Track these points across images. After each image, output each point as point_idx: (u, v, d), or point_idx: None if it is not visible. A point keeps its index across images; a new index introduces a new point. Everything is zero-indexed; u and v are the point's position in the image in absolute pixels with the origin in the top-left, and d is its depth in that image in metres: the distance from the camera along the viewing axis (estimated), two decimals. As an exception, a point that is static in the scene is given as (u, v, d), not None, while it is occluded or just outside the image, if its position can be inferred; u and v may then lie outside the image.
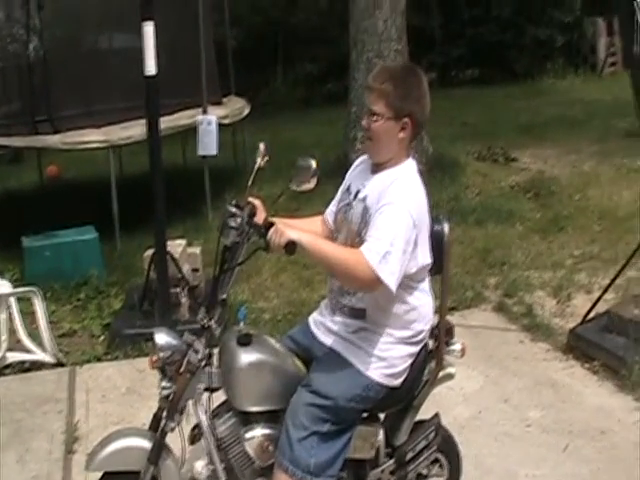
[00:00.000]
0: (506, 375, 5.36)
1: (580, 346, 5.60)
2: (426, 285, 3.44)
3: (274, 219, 3.17)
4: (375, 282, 3.02)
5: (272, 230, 3.03)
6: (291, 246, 2.98)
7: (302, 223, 3.65)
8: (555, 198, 9.42)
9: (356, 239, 3.26)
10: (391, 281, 3.03)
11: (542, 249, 7.78)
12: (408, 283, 3.26)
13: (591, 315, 5.75)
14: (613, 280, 5.80)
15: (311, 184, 3.32)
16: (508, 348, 5.78)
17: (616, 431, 4.64)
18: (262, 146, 3.45)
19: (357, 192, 3.38)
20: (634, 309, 5.54)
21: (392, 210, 3.10)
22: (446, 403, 3.82)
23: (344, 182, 3.55)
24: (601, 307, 5.76)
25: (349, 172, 3.58)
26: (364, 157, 3.51)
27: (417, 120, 3.24)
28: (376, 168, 3.35)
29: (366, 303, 3.32)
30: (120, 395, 5.25)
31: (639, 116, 5.23)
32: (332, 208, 3.62)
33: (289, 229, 3.03)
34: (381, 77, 3.25)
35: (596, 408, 4.91)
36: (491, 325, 6.18)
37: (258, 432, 3.37)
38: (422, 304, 3.40)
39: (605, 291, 5.80)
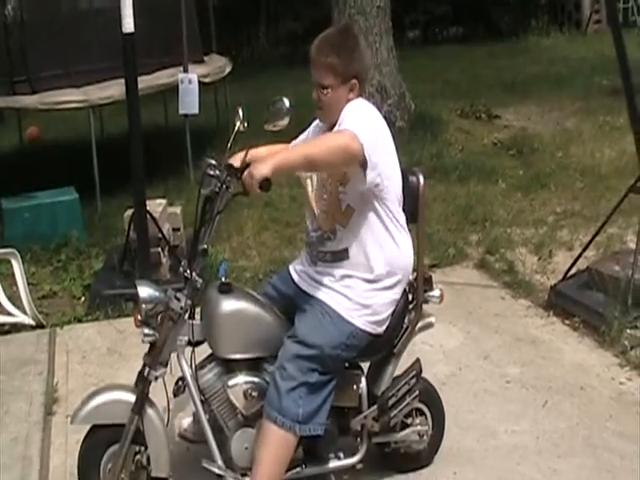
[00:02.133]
0: (486, 332, 5.37)
1: (560, 303, 5.61)
2: (403, 222, 3.49)
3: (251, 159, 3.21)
4: (353, 140, 3.07)
5: (245, 174, 3.03)
6: (266, 184, 2.95)
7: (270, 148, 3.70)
8: (537, 155, 9.42)
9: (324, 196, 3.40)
10: (366, 149, 3.11)
11: (524, 206, 7.79)
12: (384, 210, 3.36)
13: (572, 272, 5.77)
14: (594, 237, 5.80)
15: (285, 121, 3.33)
16: (489, 305, 5.80)
17: (595, 387, 4.67)
18: (240, 111, 3.49)
19: None
20: (614, 266, 5.54)
21: (354, 113, 3.26)
22: (426, 360, 3.82)
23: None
24: (582, 264, 5.78)
25: (307, 134, 3.71)
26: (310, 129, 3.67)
27: (362, 77, 3.43)
28: (332, 127, 3.39)
29: (348, 242, 3.39)
30: (100, 356, 5.23)
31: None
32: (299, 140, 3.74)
33: (260, 164, 2.99)
34: (323, 50, 3.36)
35: (575, 364, 4.93)
36: (473, 282, 6.18)
37: (241, 379, 3.43)
38: (401, 241, 3.45)
39: (586, 248, 5.80)
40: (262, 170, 2.96)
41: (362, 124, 3.17)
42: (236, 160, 3.47)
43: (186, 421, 4.00)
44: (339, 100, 3.35)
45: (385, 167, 3.30)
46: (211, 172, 3.32)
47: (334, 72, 3.31)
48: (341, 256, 3.43)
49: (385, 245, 3.39)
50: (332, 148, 3.09)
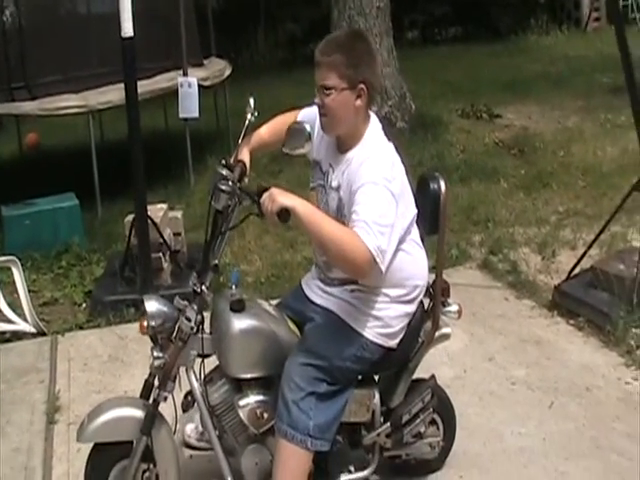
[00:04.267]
0: (491, 333, 5.34)
1: (565, 303, 5.57)
2: (416, 237, 3.39)
3: (269, 185, 3.04)
4: (368, 265, 2.93)
5: (265, 195, 2.94)
6: (284, 214, 2.86)
7: (275, 126, 3.58)
8: (539, 154, 9.36)
9: None
10: (384, 261, 2.97)
11: (527, 206, 7.73)
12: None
13: (576, 271, 5.73)
14: (597, 236, 5.77)
15: (305, 149, 3.23)
16: (493, 306, 5.76)
17: (601, 387, 4.64)
18: (252, 100, 3.41)
19: (328, 174, 3.31)
20: (618, 264, 5.50)
21: (372, 190, 3.01)
22: (431, 363, 3.76)
23: (312, 151, 3.41)
24: (586, 263, 5.74)
25: (315, 142, 3.42)
26: None
27: (372, 85, 3.18)
28: (341, 146, 3.28)
29: None
30: (102, 363, 5.19)
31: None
32: (306, 117, 3.50)
33: (283, 194, 2.92)
34: (329, 49, 3.15)
35: (581, 365, 4.90)
36: (476, 283, 6.14)
37: (252, 399, 3.35)
38: (415, 257, 3.36)
39: (589, 247, 5.77)
40: (284, 199, 2.88)
41: (381, 224, 2.94)
42: (245, 151, 3.44)
43: (190, 427, 3.96)
44: (345, 105, 3.14)
45: (402, 230, 3.18)
46: (223, 187, 3.16)
47: (338, 72, 3.08)
48: (350, 280, 3.30)
49: (398, 267, 3.22)
50: (344, 257, 2.93)
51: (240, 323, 3.31)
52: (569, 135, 10.09)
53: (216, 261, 3.28)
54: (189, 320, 3.25)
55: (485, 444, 4.13)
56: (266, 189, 2.97)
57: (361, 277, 3.13)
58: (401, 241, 3.23)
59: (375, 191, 3.01)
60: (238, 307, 3.32)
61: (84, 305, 6.14)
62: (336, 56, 3.10)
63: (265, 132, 3.62)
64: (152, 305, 3.31)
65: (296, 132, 3.22)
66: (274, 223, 2.93)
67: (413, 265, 3.36)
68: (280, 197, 2.89)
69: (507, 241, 6.82)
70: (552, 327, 5.40)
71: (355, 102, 3.15)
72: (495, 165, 8.96)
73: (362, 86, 3.14)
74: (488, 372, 4.86)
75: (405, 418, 3.55)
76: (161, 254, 6.08)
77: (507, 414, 4.40)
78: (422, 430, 3.69)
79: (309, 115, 3.50)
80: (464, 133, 10.50)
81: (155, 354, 3.30)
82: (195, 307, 3.27)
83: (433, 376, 3.72)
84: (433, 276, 3.53)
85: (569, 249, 6.60)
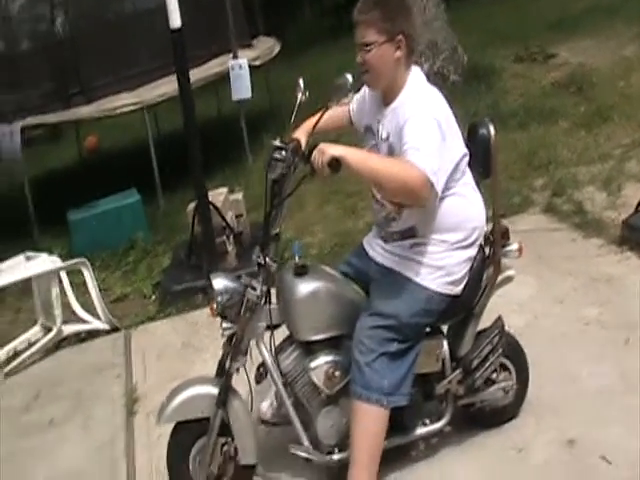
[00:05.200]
0: (560, 276, 5.24)
1: (634, 236, 5.43)
2: (471, 180, 3.41)
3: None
4: (425, 188, 2.99)
5: (315, 151, 3.02)
6: (335, 164, 2.95)
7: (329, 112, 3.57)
8: (598, 89, 9.08)
9: None
10: (439, 182, 3.04)
11: (588, 143, 7.53)
12: (451, 176, 3.23)
13: (643, 203, 5.58)
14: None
15: (349, 97, 3.30)
16: (560, 248, 5.65)
17: (676, 317, 4.51)
18: (301, 81, 3.46)
19: (378, 130, 3.37)
20: (686, 191, 5.35)
21: (418, 119, 3.10)
22: (501, 311, 3.73)
23: (360, 118, 3.56)
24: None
25: (359, 107, 3.60)
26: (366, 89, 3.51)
27: (410, 35, 3.25)
28: (386, 98, 3.34)
29: (415, 220, 3.32)
30: (175, 351, 5.27)
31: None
32: (356, 101, 3.62)
33: (331, 146, 3.00)
34: (365, 7, 3.24)
35: (654, 297, 4.77)
36: (541, 227, 6.02)
37: (322, 360, 3.42)
38: (471, 200, 3.39)
39: (655, 176, 5.61)
40: (333, 150, 2.96)
41: (430, 147, 3.02)
42: (301, 133, 3.49)
43: (265, 404, 3.98)
44: (386, 58, 3.22)
45: (451, 163, 3.21)
46: (277, 155, 3.28)
47: (376, 27, 3.17)
48: (410, 234, 3.37)
49: (454, 212, 3.30)
50: (402, 186, 3.00)
51: (305, 287, 3.39)
52: (627, 65, 9.77)
53: (277, 230, 3.36)
54: (254, 289, 3.31)
55: (561, 387, 4.07)
56: (315, 146, 3.04)
57: (422, 202, 3.12)
58: (454, 184, 3.28)
59: (421, 119, 3.10)
60: (301, 271, 3.41)
61: (153, 297, 6.24)
62: (373, 13, 3.19)
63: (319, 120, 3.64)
64: (219, 282, 3.37)
65: (339, 83, 3.25)
66: (327, 175, 3.00)
67: (469, 208, 3.39)
68: (329, 148, 2.97)
69: (570, 181, 6.67)
70: (622, 263, 5.27)
71: (395, 54, 3.23)
72: (553, 106, 8.74)
73: (400, 37, 3.21)
74: (559, 315, 4.78)
75: (475, 362, 3.57)
76: (225, 237, 6.14)
77: (582, 355, 4.33)
78: (494, 376, 3.70)
79: (359, 99, 3.62)
80: (519, 78, 10.29)
81: (224, 325, 3.37)
82: (260, 278, 3.34)
83: (500, 317, 3.71)
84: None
85: (635, 182, 6.43)
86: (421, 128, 3.07)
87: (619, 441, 3.63)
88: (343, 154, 2.96)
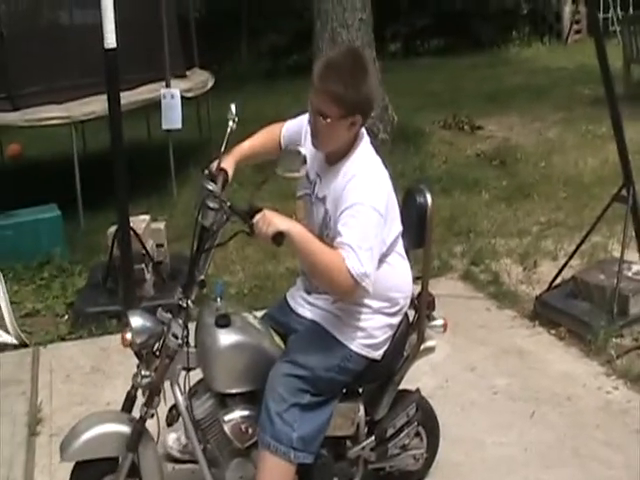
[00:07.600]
0: (472, 343, 5.35)
1: (546, 313, 5.61)
2: (401, 250, 3.39)
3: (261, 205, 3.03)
4: (352, 289, 2.99)
5: (259, 217, 2.93)
6: (279, 237, 2.88)
7: (259, 138, 3.60)
8: (520, 166, 9.40)
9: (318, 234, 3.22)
10: (370, 285, 3.01)
11: (508, 216, 7.76)
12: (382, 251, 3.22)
13: (557, 281, 5.77)
14: (578, 246, 5.82)
15: (300, 172, 3.21)
16: (475, 316, 5.78)
17: (581, 396, 4.66)
18: (233, 107, 3.37)
19: (315, 184, 3.33)
20: (599, 274, 5.55)
21: (359, 211, 3.03)
22: (412, 373, 3.76)
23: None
24: (567, 273, 5.78)
25: (294, 138, 3.49)
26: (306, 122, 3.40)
27: (368, 113, 3.19)
28: (331, 157, 3.28)
29: None
30: (84, 374, 5.17)
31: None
32: (291, 129, 3.55)
33: (277, 217, 2.93)
34: (329, 77, 3.09)
35: (562, 374, 4.92)
36: (457, 293, 6.16)
37: (237, 414, 3.33)
38: (399, 270, 3.37)
39: (571, 257, 5.81)
40: (279, 223, 2.90)
41: (367, 244, 2.99)
42: (229, 162, 3.41)
43: (172, 438, 3.95)
44: (339, 133, 3.14)
45: (386, 244, 3.22)
46: (211, 205, 3.14)
47: (338, 103, 3.04)
48: None
49: (381, 280, 3.19)
50: (329, 282, 3.03)
51: (226, 339, 3.30)
52: (550, 146, 10.14)
53: (202, 277, 3.26)
54: (176, 337, 3.23)
55: (467, 454, 4.14)
56: (258, 210, 2.96)
57: (347, 299, 3.18)
58: (386, 254, 3.26)
59: (362, 213, 3.03)
60: (223, 322, 3.31)
61: (66, 316, 6.11)
62: (336, 86, 3.04)
63: (249, 144, 3.62)
64: (137, 321, 3.27)
65: (291, 155, 3.21)
66: (266, 243, 2.95)
67: (397, 278, 3.37)
68: (275, 220, 2.91)
69: (488, 252, 6.85)
70: (533, 337, 5.43)
71: (349, 129, 3.16)
72: (477, 176, 8.99)
73: (358, 117, 3.13)
74: (470, 382, 4.87)
75: (390, 432, 3.56)
76: (144, 265, 6.06)
77: (488, 424, 4.42)
78: (406, 442, 3.69)
79: (293, 127, 3.55)
80: (446, 145, 10.55)
81: (143, 373, 3.28)
82: (181, 322, 3.25)
83: (418, 390, 3.74)
84: (418, 288, 3.54)
85: (550, 259, 6.63)
86: (361, 223, 3.01)
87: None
88: (288, 230, 2.90)
